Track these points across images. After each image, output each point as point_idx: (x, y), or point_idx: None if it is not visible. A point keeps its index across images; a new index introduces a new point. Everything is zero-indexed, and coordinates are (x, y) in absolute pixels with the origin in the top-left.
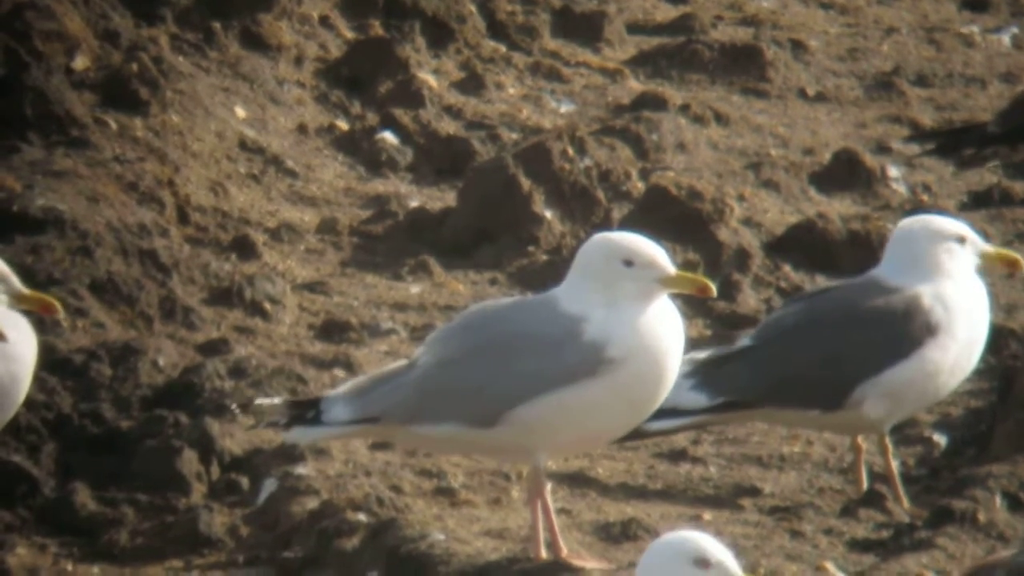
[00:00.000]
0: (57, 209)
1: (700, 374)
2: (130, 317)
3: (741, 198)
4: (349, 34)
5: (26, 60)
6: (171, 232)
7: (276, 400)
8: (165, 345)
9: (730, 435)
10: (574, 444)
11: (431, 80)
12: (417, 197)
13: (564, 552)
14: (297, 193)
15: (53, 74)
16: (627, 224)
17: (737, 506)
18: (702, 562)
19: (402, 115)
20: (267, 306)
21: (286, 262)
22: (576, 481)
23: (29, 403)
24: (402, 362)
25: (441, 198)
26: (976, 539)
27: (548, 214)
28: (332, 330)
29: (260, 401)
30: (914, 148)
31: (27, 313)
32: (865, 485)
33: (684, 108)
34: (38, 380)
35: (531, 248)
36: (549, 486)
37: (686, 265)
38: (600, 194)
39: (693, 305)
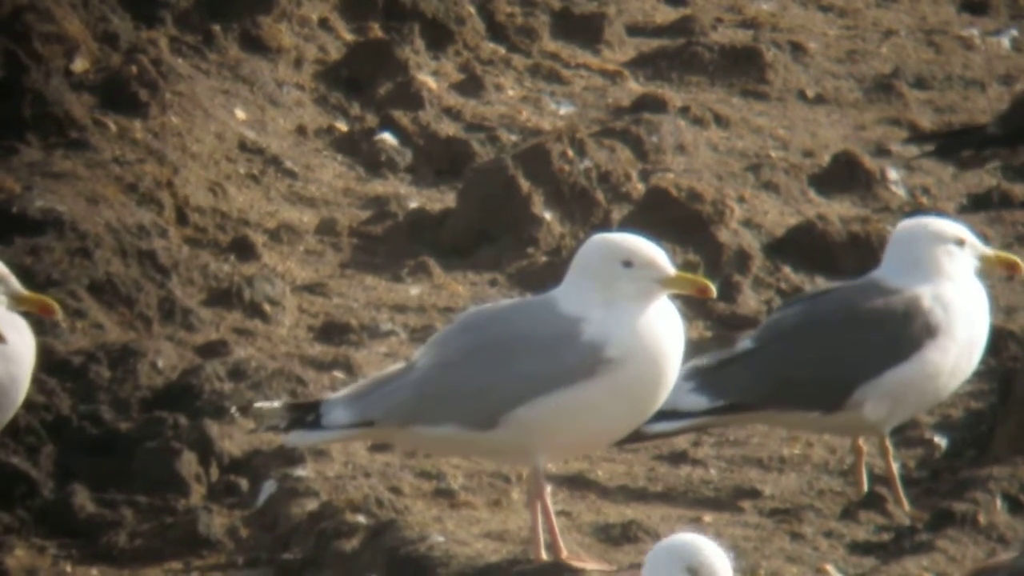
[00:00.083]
0: (56, 210)
1: (700, 376)
2: (129, 318)
3: (741, 200)
4: (348, 36)
5: (25, 62)
6: (170, 233)
7: (275, 404)
8: (164, 347)
9: (730, 437)
10: (574, 445)
11: (430, 82)
12: (416, 198)
13: (564, 554)
14: (296, 194)
15: (52, 76)
16: (627, 225)
17: (737, 508)
18: (694, 570)
19: (401, 116)
20: (266, 307)
21: (285, 263)
22: (576, 483)
23: (28, 405)
24: (401, 364)
25: (440, 199)
26: (977, 541)
27: (547, 215)
28: (331, 331)
29: (259, 405)
30: (913, 150)
31: (26, 314)
32: (865, 487)
33: (684, 110)
34: (37, 382)
35: (530, 249)
36: (549, 488)
37: (686, 266)
38: (600, 195)
39: (693, 306)
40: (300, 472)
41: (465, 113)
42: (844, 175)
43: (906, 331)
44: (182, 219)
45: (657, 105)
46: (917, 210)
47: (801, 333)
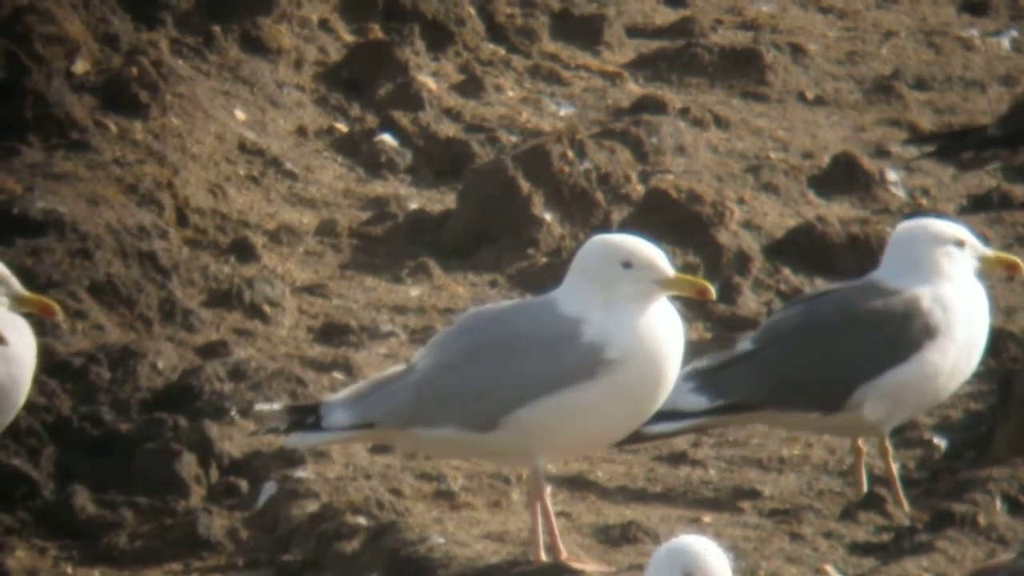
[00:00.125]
0: (57, 211)
1: (700, 377)
2: (129, 319)
3: (741, 201)
4: (348, 37)
5: (26, 64)
6: (170, 234)
7: (275, 406)
8: (164, 348)
9: (730, 438)
10: (574, 447)
11: (430, 83)
12: (416, 199)
13: (564, 555)
14: (296, 195)
15: (53, 77)
16: (627, 227)
17: (737, 509)
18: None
19: (401, 117)
20: (266, 308)
21: (285, 264)
22: (576, 484)
23: (29, 406)
24: (401, 366)
25: (440, 200)
26: (976, 542)
27: (547, 216)
28: (331, 332)
29: (260, 407)
30: (913, 151)
31: (27, 316)
32: (865, 488)
33: (684, 111)
34: (38, 383)
35: (530, 250)
36: (549, 489)
37: (686, 268)
38: (600, 197)
39: (693, 308)
40: (300, 474)
41: (465, 114)
42: (844, 176)
43: (905, 332)
44: (182, 220)
45: (657, 106)
46: (917, 211)
47: (801, 334)
